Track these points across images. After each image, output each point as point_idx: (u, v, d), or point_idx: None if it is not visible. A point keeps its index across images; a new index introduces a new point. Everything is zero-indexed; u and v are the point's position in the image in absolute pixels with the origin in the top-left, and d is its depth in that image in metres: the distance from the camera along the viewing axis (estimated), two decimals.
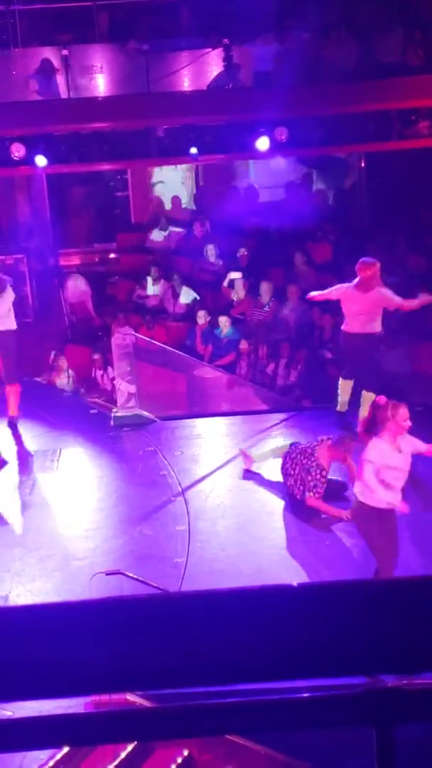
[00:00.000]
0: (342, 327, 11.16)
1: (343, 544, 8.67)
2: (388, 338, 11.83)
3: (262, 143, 14.24)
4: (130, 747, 6.32)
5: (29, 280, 16.01)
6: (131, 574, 7.83)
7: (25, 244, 16.76)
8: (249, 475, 10.17)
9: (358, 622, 1.13)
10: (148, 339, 12.91)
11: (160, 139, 14.90)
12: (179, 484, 10.10)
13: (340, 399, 11.39)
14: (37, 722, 1.16)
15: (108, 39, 15.66)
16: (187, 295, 15.96)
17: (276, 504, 9.61)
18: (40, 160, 14.15)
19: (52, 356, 13.52)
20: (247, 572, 8.20)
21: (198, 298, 15.91)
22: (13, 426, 11.69)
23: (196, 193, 19.52)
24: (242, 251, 16.68)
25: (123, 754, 6.35)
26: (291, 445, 9.81)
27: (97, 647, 1.12)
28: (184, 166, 18.61)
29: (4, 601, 8.01)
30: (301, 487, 9.30)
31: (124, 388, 11.97)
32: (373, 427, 7.65)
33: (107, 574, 7.68)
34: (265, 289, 15.14)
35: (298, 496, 9.38)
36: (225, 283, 15.92)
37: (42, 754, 6.21)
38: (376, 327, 10.86)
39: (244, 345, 14.18)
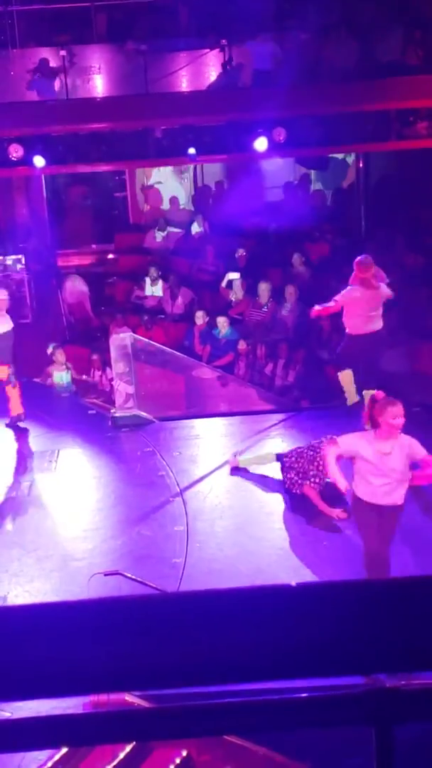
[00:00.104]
0: (348, 331, 11.03)
1: (341, 544, 8.67)
2: (387, 337, 11.84)
3: (261, 144, 14.24)
4: (128, 747, 6.32)
5: (27, 281, 16.01)
6: (129, 575, 7.82)
7: (24, 244, 16.76)
8: (247, 475, 10.17)
9: (357, 621, 1.12)
10: (146, 340, 12.91)
11: (159, 139, 14.91)
12: (177, 484, 10.09)
13: (347, 391, 11.26)
14: (36, 723, 1.16)
15: (106, 39, 15.66)
16: (185, 296, 15.97)
17: (274, 504, 9.61)
18: (39, 161, 14.15)
19: (50, 349, 13.49)
20: (245, 572, 8.20)
21: (196, 298, 15.92)
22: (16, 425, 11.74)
23: (195, 193, 19.53)
24: (240, 252, 16.69)
25: (121, 755, 6.34)
26: (277, 455, 9.84)
27: (95, 647, 1.12)
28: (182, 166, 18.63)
29: (2, 601, 8.00)
30: (301, 480, 9.26)
31: (123, 388, 11.96)
32: (375, 422, 7.59)
33: (105, 575, 7.68)
34: (263, 289, 15.14)
35: (295, 491, 9.34)
36: (223, 284, 15.93)
37: (41, 755, 6.20)
38: (381, 324, 10.91)
39: (242, 345, 14.18)
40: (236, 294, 15.65)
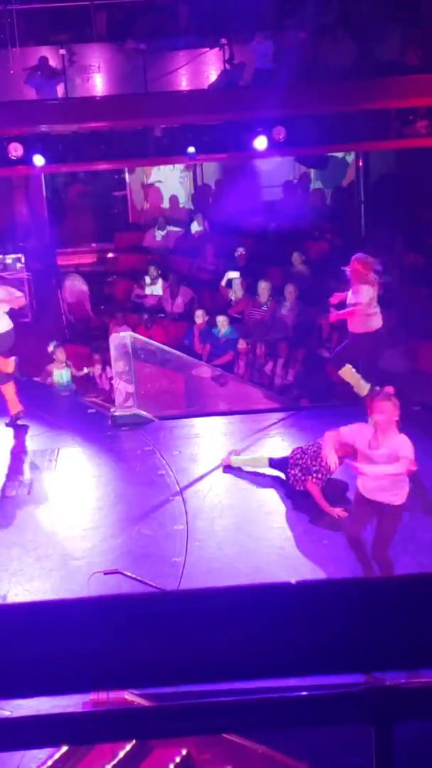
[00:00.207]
0: (352, 329, 10.79)
1: (341, 543, 8.65)
2: (387, 336, 11.83)
3: (260, 142, 14.24)
4: (128, 746, 6.33)
5: (27, 280, 16.01)
6: (129, 574, 7.82)
7: (23, 243, 16.75)
8: (247, 474, 10.17)
9: (357, 619, 1.13)
10: (146, 339, 12.90)
11: (158, 138, 14.91)
12: (177, 483, 10.09)
13: (354, 385, 11.07)
14: (36, 721, 1.16)
15: (106, 38, 15.66)
16: (185, 295, 15.97)
17: (274, 503, 9.61)
18: (38, 160, 14.15)
19: (51, 347, 13.49)
20: (245, 571, 8.20)
21: (196, 297, 15.92)
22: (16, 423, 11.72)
23: (194, 192, 19.53)
24: (240, 250, 16.68)
25: (121, 754, 6.35)
26: (270, 460, 9.86)
27: (94, 645, 1.12)
28: (181, 165, 18.62)
29: (2, 600, 8.00)
30: (304, 476, 9.22)
31: (122, 387, 11.96)
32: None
33: (105, 574, 7.68)
34: (263, 288, 15.13)
35: (298, 488, 9.32)
36: (223, 283, 15.93)
37: (40, 754, 6.21)
38: (380, 322, 10.85)
39: (242, 344, 14.18)
40: (236, 293, 15.64)
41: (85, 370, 13.94)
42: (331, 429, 8.52)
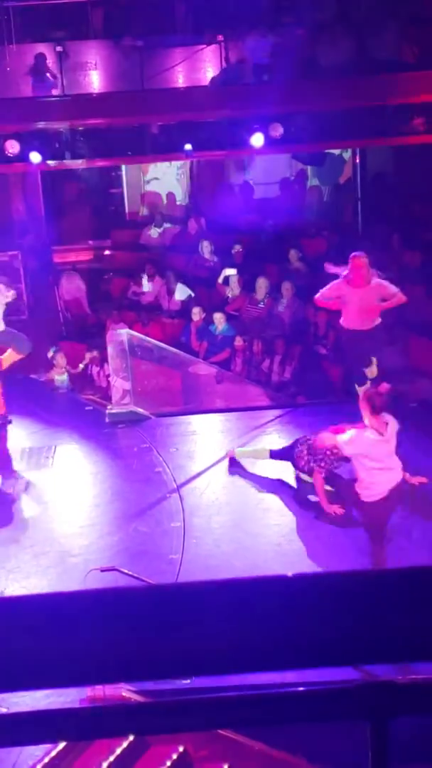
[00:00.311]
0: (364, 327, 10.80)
1: (338, 541, 8.68)
2: (385, 333, 11.83)
3: (257, 140, 14.24)
4: (125, 743, 6.33)
5: (24, 277, 16.00)
6: (126, 571, 7.83)
7: (20, 241, 16.74)
8: (244, 471, 10.17)
9: (354, 611, 1.13)
10: (142, 336, 12.90)
11: (155, 135, 14.90)
12: (174, 480, 10.10)
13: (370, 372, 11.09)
14: (32, 717, 1.16)
15: (102, 35, 15.64)
16: (182, 292, 15.96)
17: (271, 500, 9.62)
18: (35, 157, 14.13)
19: (51, 353, 13.51)
20: (242, 568, 8.20)
21: (193, 294, 15.91)
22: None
23: (191, 189, 19.52)
24: (237, 248, 16.68)
25: (118, 751, 6.35)
26: (271, 452, 9.84)
27: (91, 638, 1.12)
28: (178, 162, 18.62)
29: None
30: (314, 462, 9.07)
31: (119, 384, 11.96)
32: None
33: (102, 571, 7.68)
34: (261, 284, 15.13)
35: (303, 467, 9.22)
36: (220, 280, 15.92)
37: (37, 751, 6.21)
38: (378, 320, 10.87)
39: (239, 341, 14.18)
40: (233, 290, 15.64)
41: (81, 367, 13.96)
42: (327, 425, 8.55)
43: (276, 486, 9.75)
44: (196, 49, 14.88)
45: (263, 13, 15.00)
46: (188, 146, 14.41)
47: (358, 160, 18.19)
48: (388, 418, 7.64)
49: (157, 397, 12.59)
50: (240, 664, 1.13)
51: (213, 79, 14.83)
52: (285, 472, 9.86)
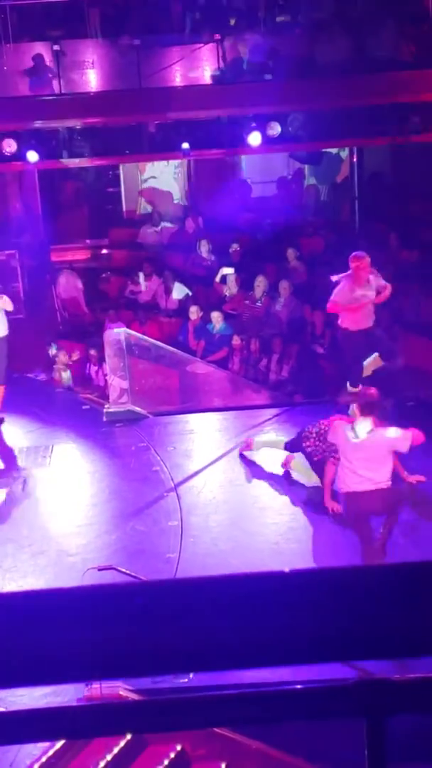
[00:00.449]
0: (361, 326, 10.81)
1: (335, 539, 8.68)
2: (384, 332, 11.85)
3: (254, 138, 14.23)
4: (123, 742, 6.33)
5: (21, 276, 15.99)
6: (124, 570, 7.83)
7: (17, 240, 16.73)
8: (241, 470, 10.17)
9: (351, 607, 1.13)
10: (140, 335, 12.90)
11: (152, 134, 14.89)
12: (172, 479, 10.10)
13: (366, 363, 11.11)
14: (30, 715, 1.17)
15: (99, 34, 15.63)
16: (179, 291, 15.96)
17: (269, 499, 9.62)
18: (32, 156, 14.12)
19: (54, 351, 13.52)
20: (239, 567, 8.21)
21: (190, 293, 15.91)
22: None
23: (188, 188, 19.51)
24: (234, 246, 16.67)
25: (116, 750, 6.36)
26: (286, 444, 9.85)
27: (90, 634, 1.12)
28: (175, 161, 18.61)
29: None
30: (327, 452, 9.02)
31: (117, 383, 11.97)
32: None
33: (100, 570, 7.68)
34: (259, 283, 15.12)
35: (315, 458, 9.20)
36: (217, 279, 15.92)
37: (35, 750, 6.21)
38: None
39: (236, 340, 14.18)
40: (230, 289, 15.64)
41: (74, 357, 13.96)
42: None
43: (273, 485, 9.75)
44: (194, 47, 14.87)
45: (261, 11, 15.00)
46: (185, 145, 14.41)
47: (355, 159, 18.18)
48: (372, 427, 7.70)
49: (155, 396, 12.60)
50: (238, 659, 1.13)
51: (211, 79, 14.83)
52: (283, 471, 9.89)
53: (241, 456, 10.35)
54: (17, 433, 11.49)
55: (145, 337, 12.94)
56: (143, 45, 14.49)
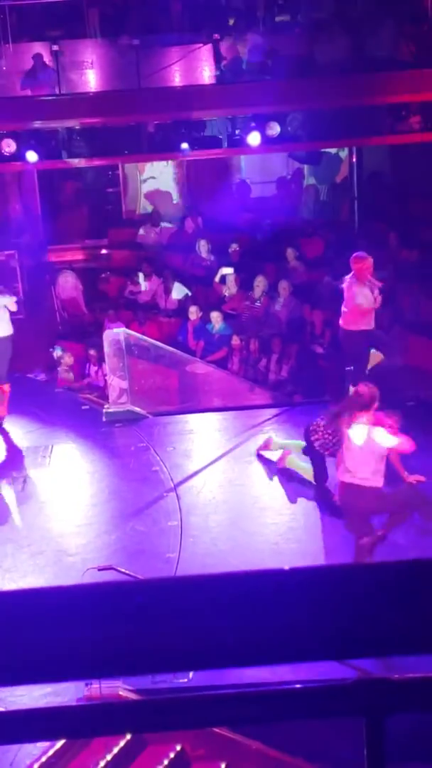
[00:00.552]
0: (362, 327, 10.84)
1: (335, 539, 8.69)
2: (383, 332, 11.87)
3: (254, 138, 14.23)
4: (122, 742, 6.33)
5: (20, 277, 15.99)
6: (123, 570, 7.83)
7: (17, 240, 16.72)
8: (241, 469, 10.18)
9: (350, 605, 1.13)
10: (139, 335, 12.90)
11: (151, 134, 14.88)
12: (171, 479, 10.10)
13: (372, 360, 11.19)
14: (30, 715, 1.17)
15: (99, 34, 15.63)
16: (178, 291, 15.96)
17: (268, 499, 9.62)
18: (31, 156, 14.12)
19: (59, 353, 13.54)
20: (239, 567, 8.15)
21: (190, 293, 15.91)
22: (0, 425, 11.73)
23: (188, 188, 19.51)
24: (234, 246, 16.67)
25: (116, 749, 6.36)
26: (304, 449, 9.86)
27: (90, 632, 1.12)
28: (175, 161, 18.62)
29: None
30: (333, 438, 9.01)
31: (116, 383, 11.97)
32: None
33: (99, 570, 7.69)
34: (258, 283, 15.11)
35: (327, 453, 9.19)
36: (217, 279, 15.92)
37: (35, 750, 6.22)
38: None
39: (235, 340, 14.17)
40: (230, 289, 15.64)
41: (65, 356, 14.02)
42: None
43: (273, 485, 9.75)
44: (193, 47, 14.87)
45: (260, 10, 15.01)
46: (185, 145, 14.41)
47: (354, 159, 18.18)
48: (366, 429, 7.73)
49: (154, 396, 12.60)
50: (237, 657, 1.13)
51: (212, 79, 14.83)
52: (283, 471, 9.89)
53: (259, 455, 10.36)
54: (17, 433, 11.51)
55: (145, 337, 12.93)
56: (142, 45, 14.48)
